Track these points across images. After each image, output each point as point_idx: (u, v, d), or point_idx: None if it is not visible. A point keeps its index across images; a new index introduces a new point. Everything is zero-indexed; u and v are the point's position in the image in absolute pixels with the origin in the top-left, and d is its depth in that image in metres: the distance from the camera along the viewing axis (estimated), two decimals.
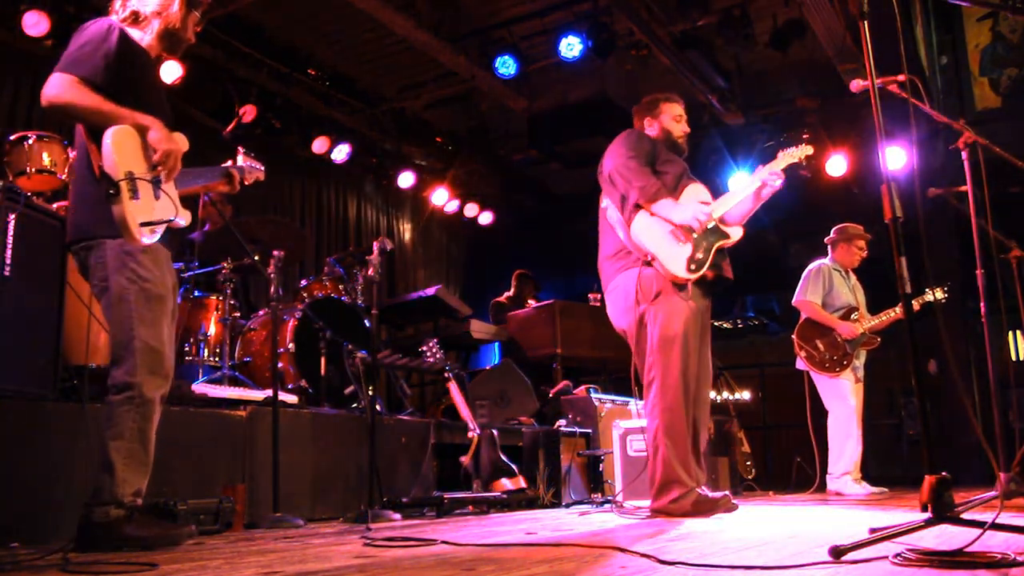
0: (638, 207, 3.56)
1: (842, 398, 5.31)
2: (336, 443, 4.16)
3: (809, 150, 3.99)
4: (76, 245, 2.64)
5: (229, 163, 3.11)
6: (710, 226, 3.59)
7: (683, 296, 3.54)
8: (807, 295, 5.45)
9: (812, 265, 5.59)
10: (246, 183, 3.14)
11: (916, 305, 5.21)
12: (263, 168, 3.21)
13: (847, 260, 5.59)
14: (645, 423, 3.68)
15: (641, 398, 3.71)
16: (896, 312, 5.31)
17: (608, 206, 3.76)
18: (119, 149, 2.45)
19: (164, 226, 2.58)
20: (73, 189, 2.74)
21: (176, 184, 2.74)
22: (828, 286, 5.48)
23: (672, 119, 3.92)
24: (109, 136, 2.46)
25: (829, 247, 5.67)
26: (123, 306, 2.55)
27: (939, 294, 5.23)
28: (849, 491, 5.18)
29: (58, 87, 2.50)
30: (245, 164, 3.11)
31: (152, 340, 2.55)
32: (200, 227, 5.12)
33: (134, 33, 2.79)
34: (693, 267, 3.54)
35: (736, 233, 3.69)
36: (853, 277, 5.64)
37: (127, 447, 2.48)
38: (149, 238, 2.51)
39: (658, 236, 3.54)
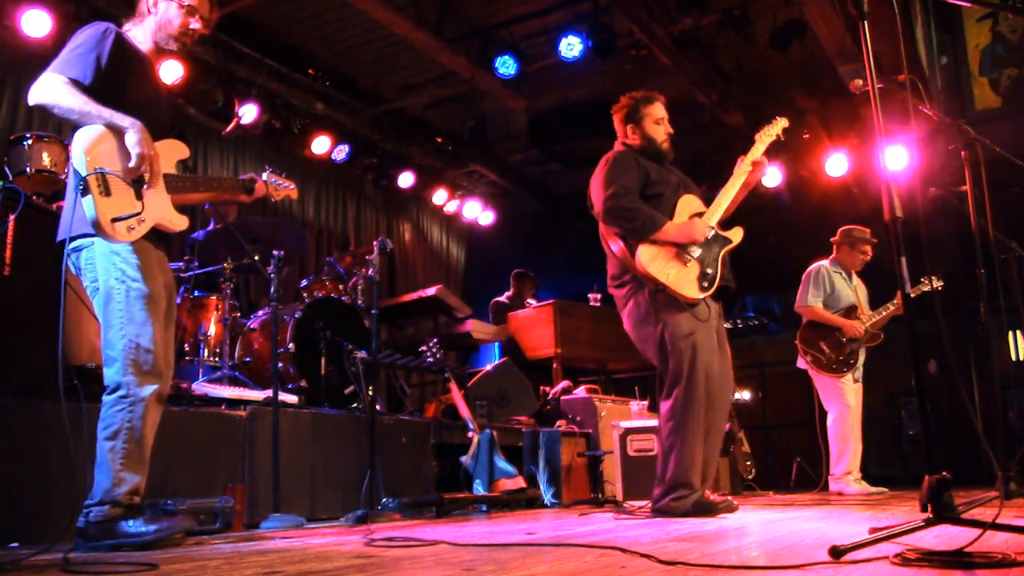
0: (640, 240, 3.54)
1: (841, 399, 5.31)
2: (336, 443, 4.16)
3: (784, 123, 3.88)
4: (67, 246, 2.64)
5: (253, 175, 3.10)
6: (710, 235, 3.59)
7: (699, 313, 3.53)
8: (809, 299, 5.45)
9: (811, 267, 5.58)
10: (275, 199, 3.15)
11: (914, 294, 5.23)
12: (294, 186, 3.22)
13: (849, 262, 5.58)
14: (653, 423, 3.66)
15: (644, 399, 3.70)
16: (894, 304, 5.34)
17: (607, 234, 3.72)
18: (90, 146, 2.47)
19: (146, 225, 2.58)
20: (66, 189, 2.75)
21: (178, 188, 2.74)
22: (829, 288, 5.47)
23: (654, 123, 3.77)
24: (79, 134, 2.49)
25: (834, 247, 5.67)
26: (112, 306, 2.56)
27: (936, 283, 5.22)
28: (850, 490, 5.18)
29: (44, 87, 2.53)
30: (272, 180, 3.12)
31: (142, 339, 2.55)
32: (201, 227, 5.12)
33: (136, 36, 2.80)
34: (705, 284, 3.53)
35: (737, 236, 3.67)
36: (855, 278, 5.63)
37: (122, 447, 2.49)
38: (127, 235, 2.51)
39: (665, 263, 3.51)
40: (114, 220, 2.47)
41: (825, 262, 5.60)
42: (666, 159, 3.81)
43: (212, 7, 2.91)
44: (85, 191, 2.43)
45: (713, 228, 3.60)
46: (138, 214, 2.53)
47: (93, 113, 2.52)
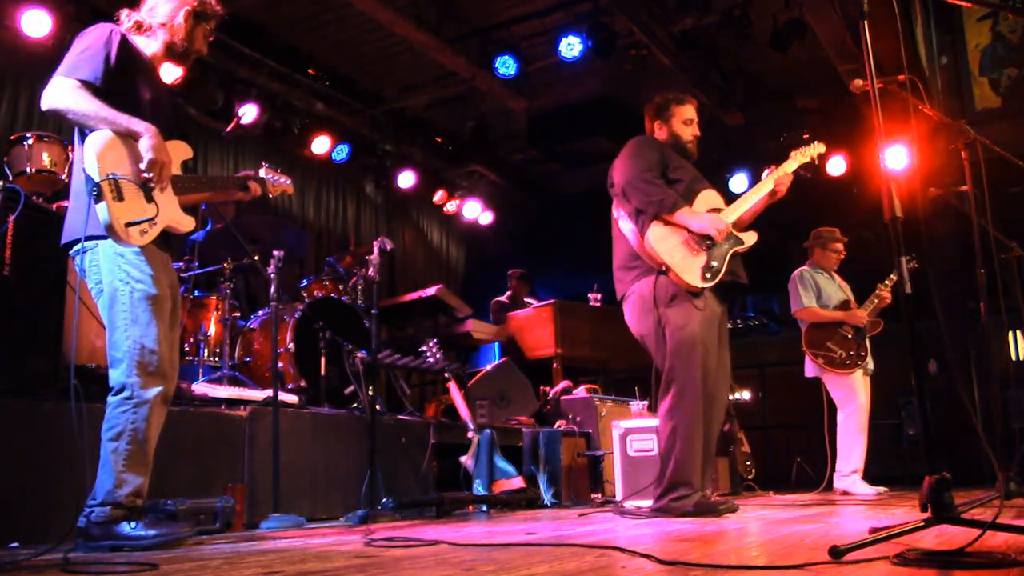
0: (655, 217, 3.56)
1: (854, 394, 5.30)
2: (336, 443, 4.16)
3: (821, 148, 3.96)
4: (72, 247, 2.64)
5: (250, 172, 3.12)
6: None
7: (698, 304, 3.53)
8: (803, 300, 5.46)
9: (794, 274, 5.62)
10: (271, 195, 3.16)
11: (889, 284, 5.35)
12: (290, 181, 3.23)
13: (825, 263, 5.64)
14: (653, 423, 3.66)
15: (644, 399, 3.69)
16: (879, 297, 5.36)
17: (620, 216, 3.74)
18: (101, 152, 2.47)
19: (157, 228, 2.58)
20: (71, 191, 2.75)
21: (185, 189, 2.74)
22: (816, 290, 5.51)
23: (682, 123, 3.85)
24: (90, 140, 2.48)
25: (808, 252, 5.72)
26: (117, 307, 2.56)
27: (909, 263, 5.21)
28: (858, 490, 5.16)
29: (58, 91, 2.51)
30: (268, 176, 3.13)
31: (147, 341, 2.55)
32: (201, 227, 5.12)
33: (138, 40, 2.80)
34: (708, 275, 3.53)
35: (750, 239, 3.67)
36: (837, 277, 5.68)
37: (125, 448, 2.49)
38: (139, 239, 2.51)
39: (672, 246, 3.53)
40: (128, 224, 2.47)
41: (805, 267, 5.64)
42: (690, 157, 3.86)
43: (217, 25, 2.94)
44: (99, 197, 2.42)
45: (729, 226, 3.62)
46: (152, 218, 2.53)
47: (109, 118, 2.51)
